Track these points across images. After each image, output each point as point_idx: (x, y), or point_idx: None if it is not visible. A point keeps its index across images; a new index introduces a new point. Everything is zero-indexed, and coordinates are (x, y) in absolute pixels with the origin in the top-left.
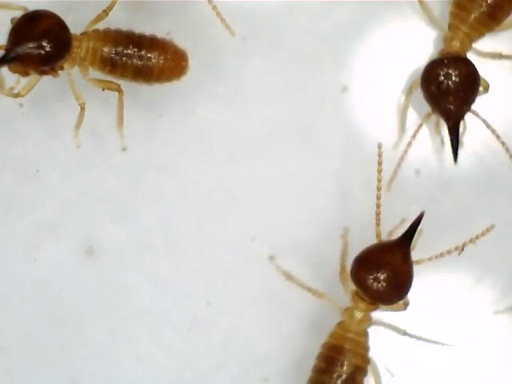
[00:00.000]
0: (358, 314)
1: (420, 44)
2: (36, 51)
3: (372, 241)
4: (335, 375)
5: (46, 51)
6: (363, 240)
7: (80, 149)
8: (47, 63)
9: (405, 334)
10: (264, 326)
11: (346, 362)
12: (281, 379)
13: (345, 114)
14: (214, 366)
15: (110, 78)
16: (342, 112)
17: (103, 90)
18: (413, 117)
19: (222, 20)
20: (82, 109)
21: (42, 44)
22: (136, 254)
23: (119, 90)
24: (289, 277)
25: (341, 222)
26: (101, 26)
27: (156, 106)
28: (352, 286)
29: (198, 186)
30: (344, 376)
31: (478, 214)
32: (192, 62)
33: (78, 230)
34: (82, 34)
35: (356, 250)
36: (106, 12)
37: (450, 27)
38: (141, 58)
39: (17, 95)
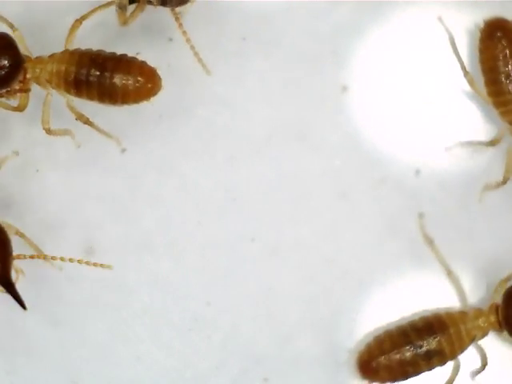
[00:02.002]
0: (482, 322)
1: (420, 43)
2: None
3: (371, 240)
4: (420, 341)
5: None
6: (363, 240)
7: (80, 149)
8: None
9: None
10: (264, 326)
11: (437, 339)
12: (281, 379)
13: (345, 114)
14: (214, 366)
15: (77, 100)
16: (342, 112)
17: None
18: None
19: (200, 60)
20: (47, 133)
21: None
22: (136, 253)
23: (88, 123)
24: (431, 243)
25: (341, 222)
26: (97, 32)
27: (156, 105)
28: (498, 299)
29: (198, 186)
30: (426, 348)
31: (478, 214)
32: (191, 62)
33: (78, 230)
34: (50, 56)
35: (355, 250)
36: (79, 21)
37: (510, 123)
38: (104, 79)
39: (14, 109)
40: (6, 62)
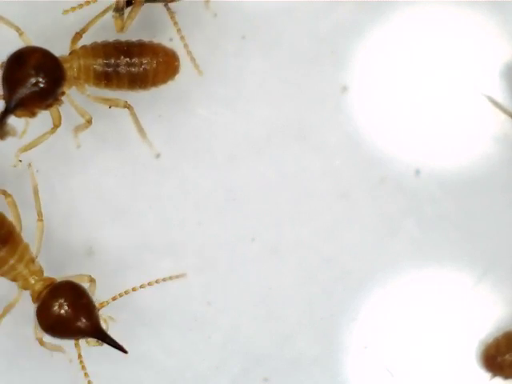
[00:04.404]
0: None
1: (420, 44)
2: (35, 89)
3: (371, 240)
4: None
5: (45, 85)
6: (363, 240)
7: (80, 149)
8: (49, 96)
9: None
10: (264, 326)
11: None
12: (281, 379)
13: (345, 113)
14: (214, 366)
15: (106, 90)
16: (342, 112)
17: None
18: None
19: (192, 59)
20: (89, 123)
21: (38, 80)
22: (136, 253)
23: (127, 106)
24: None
25: (341, 222)
26: (98, 34)
27: (156, 105)
28: None
29: (198, 186)
30: None
31: (478, 214)
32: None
33: (78, 230)
34: (70, 53)
35: (355, 250)
36: (79, 34)
37: None
38: (134, 65)
39: (53, 130)
40: (52, 68)
